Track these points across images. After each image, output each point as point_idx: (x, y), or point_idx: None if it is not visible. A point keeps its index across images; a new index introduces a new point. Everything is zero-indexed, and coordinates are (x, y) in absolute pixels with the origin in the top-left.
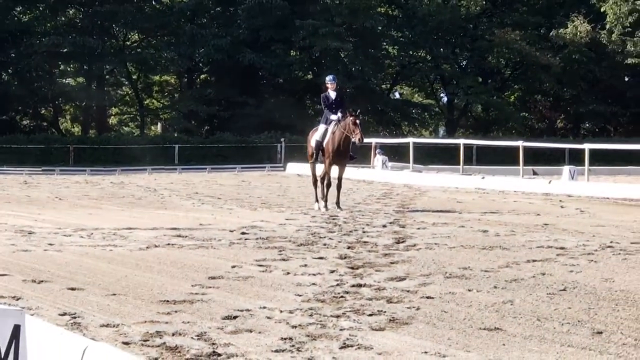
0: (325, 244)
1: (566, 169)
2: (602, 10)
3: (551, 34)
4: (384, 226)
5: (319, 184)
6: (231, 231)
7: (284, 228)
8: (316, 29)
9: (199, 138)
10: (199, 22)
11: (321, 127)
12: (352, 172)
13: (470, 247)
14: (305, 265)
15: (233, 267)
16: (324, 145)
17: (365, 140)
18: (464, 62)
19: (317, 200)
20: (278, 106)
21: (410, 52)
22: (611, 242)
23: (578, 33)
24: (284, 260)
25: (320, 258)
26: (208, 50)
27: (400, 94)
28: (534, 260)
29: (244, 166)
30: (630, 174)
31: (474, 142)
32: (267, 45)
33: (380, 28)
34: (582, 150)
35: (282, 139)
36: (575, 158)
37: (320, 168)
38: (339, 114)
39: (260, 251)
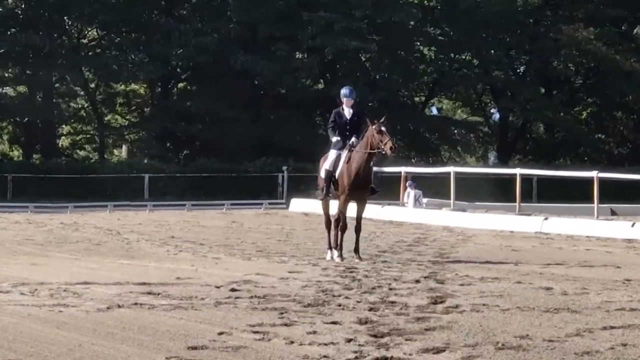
0: (340, 305)
1: None
2: None
3: (635, 31)
4: (417, 281)
5: (332, 226)
6: (218, 287)
7: (287, 283)
8: (330, 24)
9: (175, 165)
10: (177, 14)
11: (332, 153)
12: (375, 210)
13: (530, 309)
14: (315, 332)
15: (220, 334)
16: (337, 177)
17: (394, 169)
18: (522, 68)
19: (330, 248)
20: (279, 124)
21: (452, 55)
22: None
23: None
24: (286, 325)
25: (334, 323)
26: (188, 51)
27: (439, 109)
28: (613, 327)
29: (234, 202)
30: None
31: (534, 172)
32: (266, 46)
33: (412, 23)
34: None
35: (285, 167)
36: None
37: (334, 205)
38: (354, 139)
39: (256, 313)
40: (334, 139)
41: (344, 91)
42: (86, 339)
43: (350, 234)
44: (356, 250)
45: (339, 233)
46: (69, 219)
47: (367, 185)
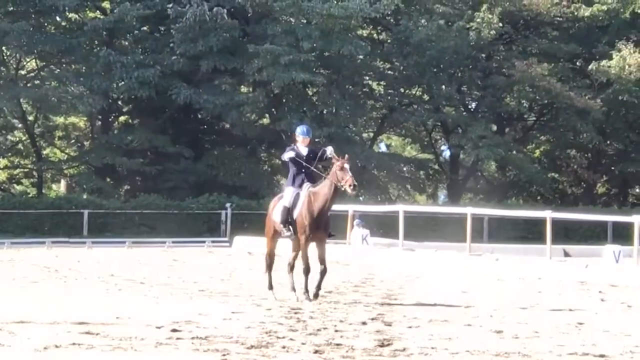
0: (284, 347)
1: (609, 248)
2: None
3: (590, 67)
4: (364, 323)
5: (276, 268)
6: (158, 328)
7: (230, 324)
8: (276, 57)
9: (116, 201)
10: (119, 45)
11: (289, 191)
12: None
13: (480, 353)
14: None
15: None
16: (295, 216)
17: (341, 207)
18: (474, 105)
19: (270, 288)
20: (223, 160)
21: (402, 90)
22: None
23: (626, 67)
24: None
25: None
26: (130, 83)
27: (388, 146)
28: None
29: (176, 240)
30: None
31: (485, 212)
32: (210, 79)
33: (361, 57)
34: (631, 225)
35: (228, 205)
36: (621, 234)
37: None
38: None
39: (197, 355)
40: (290, 154)
41: (300, 129)
42: None
43: (299, 272)
44: (315, 288)
45: (304, 276)
46: (5, 255)
47: (327, 227)
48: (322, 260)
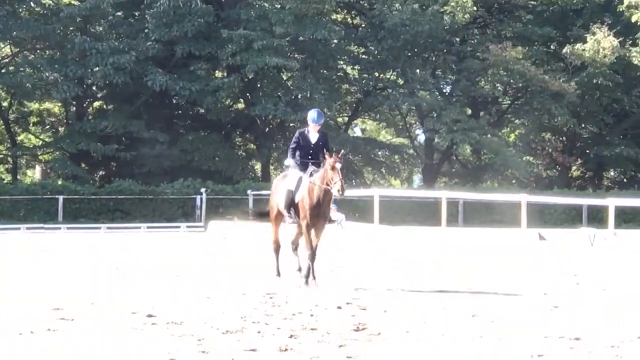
0: (259, 332)
1: (584, 232)
2: (633, 19)
3: (565, 50)
4: (339, 308)
5: (281, 250)
6: (133, 313)
7: (205, 309)
8: (250, 42)
9: (91, 187)
10: (94, 32)
11: (293, 173)
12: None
13: (456, 336)
14: None
15: None
16: (297, 200)
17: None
18: (448, 89)
19: (278, 274)
20: (197, 145)
21: (376, 74)
22: None
23: (601, 50)
24: (203, 352)
25: (253, 350)
26: (105, 69)
27: (362, 130)
28: (540, 355)
29: (151, 225)
30: None
31: (460, 196)
32: (185, 64)
33: (335, 41)
34: (606, 208)
35: (203, 190)
36: (596, 217)
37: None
38: (313, 168)
39: (172, 340)
40: (292, 163)
41: (312, 114)
42: None
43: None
44: (307, 276)
45: (310, 263)
46: None
47: (326, 214)
48: (315, 246)
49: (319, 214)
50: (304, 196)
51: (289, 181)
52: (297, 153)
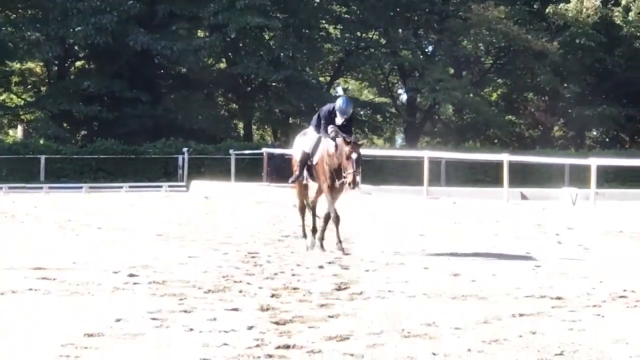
0: (241, 291)
1: (566, 191)
2: None
3: (547, 10)
4: (321, 267)
5: (308, 212)
6: (115, 272)
7: (186, 269)
8: (232, 1)
9: (73, 147)
10: None
11: (312, 133)
12: (276, 193)
13: (437, 295)
14: (215, 319)
15: (117, 320)
16: (316, 161)
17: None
18: (430, 48)
19: (304, 236)
20: (180, 105)
21: (359, 34)
22: (624, 290)
23: (584, 10)
24: (185, 312)
25: (235, 309)
26: (86, 30)
27: (345, 90)
28: (522, 315)
29: (133, 185)
30: None
31: (442, 155)
32: (166, 24)
33: (318, 1)
34: (588, 167)
35: (185, 149)
36: (579, 177)
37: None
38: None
39: (154, 299)
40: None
41: (340, 103)
42: None
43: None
44: (340, 242)
45: (335, 226)
46: None
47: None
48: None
49: (338, 176)
50: (323, 158)
51: (307, 143)
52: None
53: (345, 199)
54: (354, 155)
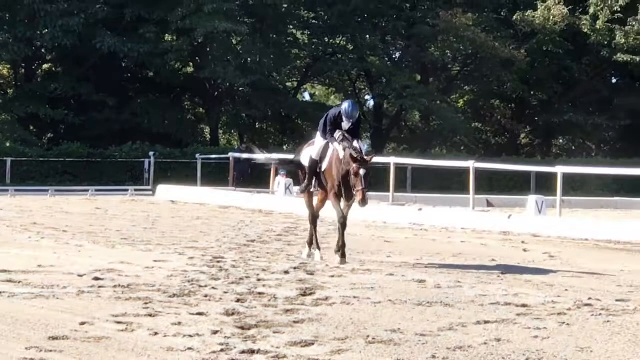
0: (206, 295)
1: (532, 199)
2: None
3: (515, 17)
4: (286, 272)
5: (319, 222)
6: (80, 276)
7: (152, 273)
8: (200, 5)
9: (39, 150)
10: None
11: (318, 140)
12: (244, 198)
13: (402, 302)
14: (179, 324)
15: (82, 324)
16: (324, 168)
17: (265, 156)
18: (398, 54)
19: (317, 247)
20: (147, 108)
21: (326, 40)
22: (589, 298)
23: (551, 17)
24: (150, 315)
25: (200, 314)
26: (54, 32)
27: (312, 95)
28: (487, 322)
29: (99, 188)
30: (617, 207)
31: (408, 162)
32: (134, 27)
33: (285, 6)
34: (554, 175)
35: (152, 153)
36: (545, 185)
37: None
38: (340, 136)
39: (119, 303)
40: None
41: (346, 107)
42: None
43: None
44: (342, 250)
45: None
46: None
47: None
48: (345, 216)
49: (349, 184)
50: (332, 164)
51: (315, 149)
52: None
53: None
54: (362, 172)
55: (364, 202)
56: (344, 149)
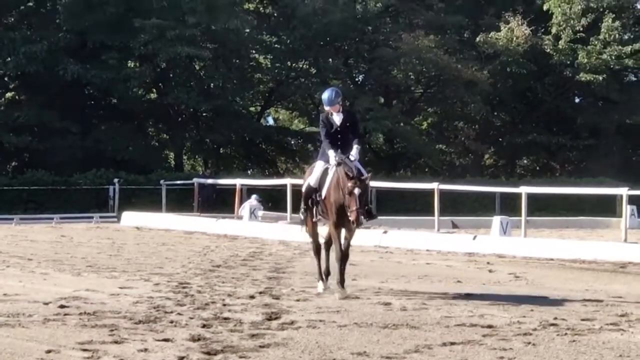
0: (172, 321)
1: (497, 220)
2: (545, 8)
3: (478, 39)
4: (252, 297)
5: (323, 252)
6: (46, 304)
7: (118, 300)
8: (162, 31)
9: (3, 178)
10: (6, 22)
11: (318, 166)
12: (208, 223)
13: (368, 325)
14: (146, 350)
15: (48, 352)
16: (324, 196)
17: (229, 181)
18: (361, 77)
19: (321, 279)
20: (110, 135)
21: (289, 64)
22: (555, 318)
23: (514, 38)
24: (116, 342)
25: (166, 340)
26: (17, 59)
27: (275, 119)
28: (453, 343)
29: (64, 216)
30: (581, 227)
31: (373, 184)
32: (97, 54)
33: (247, 31)
34: (518, 195)
35: (116, 180)
36: (509, 205)
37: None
38: (339, 156)
39: (85, 331)
40: (330, 152)
41: (326, 95)
42: None
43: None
44: (341, 280)
45: (338, 265)
46: None
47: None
48: (347, 246)
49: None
50: (330, 192)
51: (313, 176)
52: (327, 141)
53: (276, 229)
54: (356, 191)
55: (357, 222)
56: (338, 166)
